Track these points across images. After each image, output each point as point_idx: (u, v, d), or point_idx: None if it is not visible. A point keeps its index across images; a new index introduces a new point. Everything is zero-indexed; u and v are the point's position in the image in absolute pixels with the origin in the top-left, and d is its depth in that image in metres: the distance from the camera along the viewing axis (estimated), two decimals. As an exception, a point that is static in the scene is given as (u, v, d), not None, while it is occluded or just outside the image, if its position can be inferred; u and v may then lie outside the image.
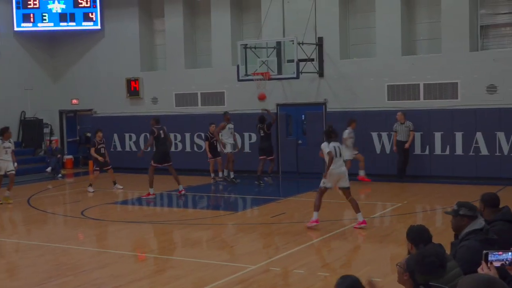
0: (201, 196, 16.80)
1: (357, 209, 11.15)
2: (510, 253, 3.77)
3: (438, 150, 17.04)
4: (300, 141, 18.92)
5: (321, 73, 18.40)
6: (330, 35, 18.26)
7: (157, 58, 22.15)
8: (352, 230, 11.30)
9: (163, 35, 21.62)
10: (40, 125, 21.92)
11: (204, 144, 18.88)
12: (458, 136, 16.73)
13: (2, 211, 14.63)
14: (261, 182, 17.04)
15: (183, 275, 8.71)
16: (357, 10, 18.73)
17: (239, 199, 16.27)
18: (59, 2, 21.57)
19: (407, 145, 16.60)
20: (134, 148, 21.15)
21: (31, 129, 21.53)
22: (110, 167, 17.32)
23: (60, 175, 20.50)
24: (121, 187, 17.26)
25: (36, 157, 21.79)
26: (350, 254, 10.18)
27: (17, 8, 21.60)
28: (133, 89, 21.56)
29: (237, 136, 18.72)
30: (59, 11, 21.68)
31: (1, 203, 14.99)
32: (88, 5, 21.78)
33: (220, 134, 17.61)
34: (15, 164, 15.42)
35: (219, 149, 17.89)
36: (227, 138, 17.60)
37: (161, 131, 15.74)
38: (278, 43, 17.69)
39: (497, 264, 3.78)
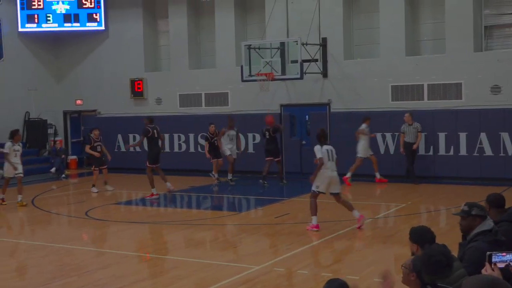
0: (205, 196, 16.77)
1: (350, 208, 11.22)
2: None
3: (442, 151, 16.98)
4: (304, 142, 18.87)
5: (325, 74, 18.35)
6: (334, 35, 18.21)
7: (161, 58, 22.13)
8: (355, 231, 11.25)
9: (167, 35, 21.59)
10: (44, 125, 21.92)
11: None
12: (462, 136, 16.67)
13: (7, 212, 14.63)
14: (266, 182, 17.04)
15: (186, 276, 8.69)
16: (361, 10, 18.67)
17: (242, 199, 16.23)
18: (63, 3, 21.58)
19: (415, 146, 16.54)
20: (138, 149, 21.06)
21: (35, 129, 21.54)
22: (106, 166, 17.23)
23: (64, 175, 20.55)
24: (112, 188, 17.11)
25: (40, 158, 21.79)
26: (353, 255, 10.14)
27: (22, 8, 21.59)
28: (137, 90, 21.53)
29: (242, 137, 18.67)
30: (63, 11, 21.68)
31: (23, 205, 14.90)
32: (92, 6, 21.77)
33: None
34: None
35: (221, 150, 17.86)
36: (226, 144, 17.59)
37: (155, 131, 15.73)
38: (282, 44, 17.63)
39: (501, 265, 3.75)
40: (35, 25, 21.77)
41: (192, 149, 20.42)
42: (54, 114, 22.75)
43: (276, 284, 8.31)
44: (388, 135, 17.43)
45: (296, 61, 17.07)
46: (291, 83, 18.52)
